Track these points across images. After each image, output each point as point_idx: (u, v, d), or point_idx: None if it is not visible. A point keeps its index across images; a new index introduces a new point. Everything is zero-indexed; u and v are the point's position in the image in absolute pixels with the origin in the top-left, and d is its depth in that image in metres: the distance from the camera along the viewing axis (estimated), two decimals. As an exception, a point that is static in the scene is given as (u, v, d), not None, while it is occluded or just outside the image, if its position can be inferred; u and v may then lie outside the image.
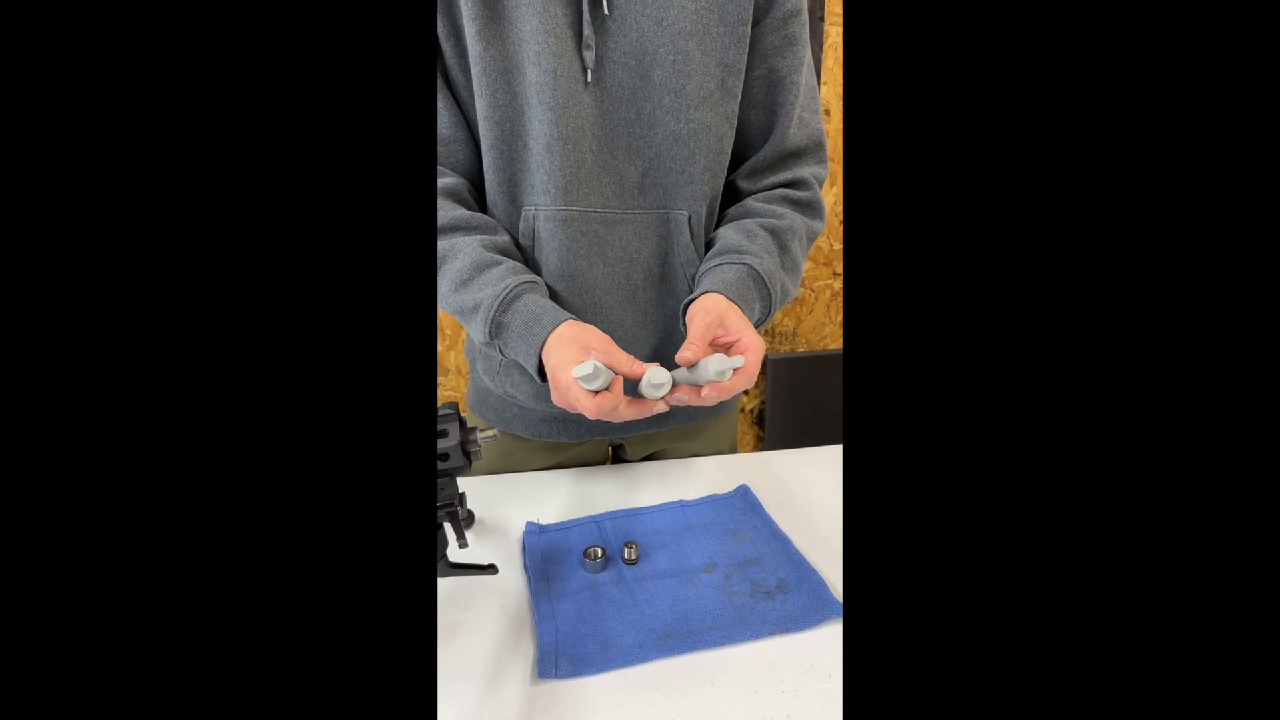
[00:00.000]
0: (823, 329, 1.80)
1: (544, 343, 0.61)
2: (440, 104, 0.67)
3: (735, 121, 0.70)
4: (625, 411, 0.59)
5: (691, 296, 0.66)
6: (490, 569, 0.56)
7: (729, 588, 0.60)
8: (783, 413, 1.77)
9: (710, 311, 0.61)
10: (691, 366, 0.58)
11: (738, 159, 0.74)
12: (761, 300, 0.68)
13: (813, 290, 1.74)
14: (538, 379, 0.64)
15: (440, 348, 1.62)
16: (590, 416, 0.57)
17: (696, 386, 0.59)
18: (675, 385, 0.59)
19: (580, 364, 0.56)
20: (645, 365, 0.58)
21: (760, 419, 1.82)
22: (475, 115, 0.67)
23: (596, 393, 0.57)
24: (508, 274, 0.65)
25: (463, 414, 0.53)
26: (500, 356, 0.70)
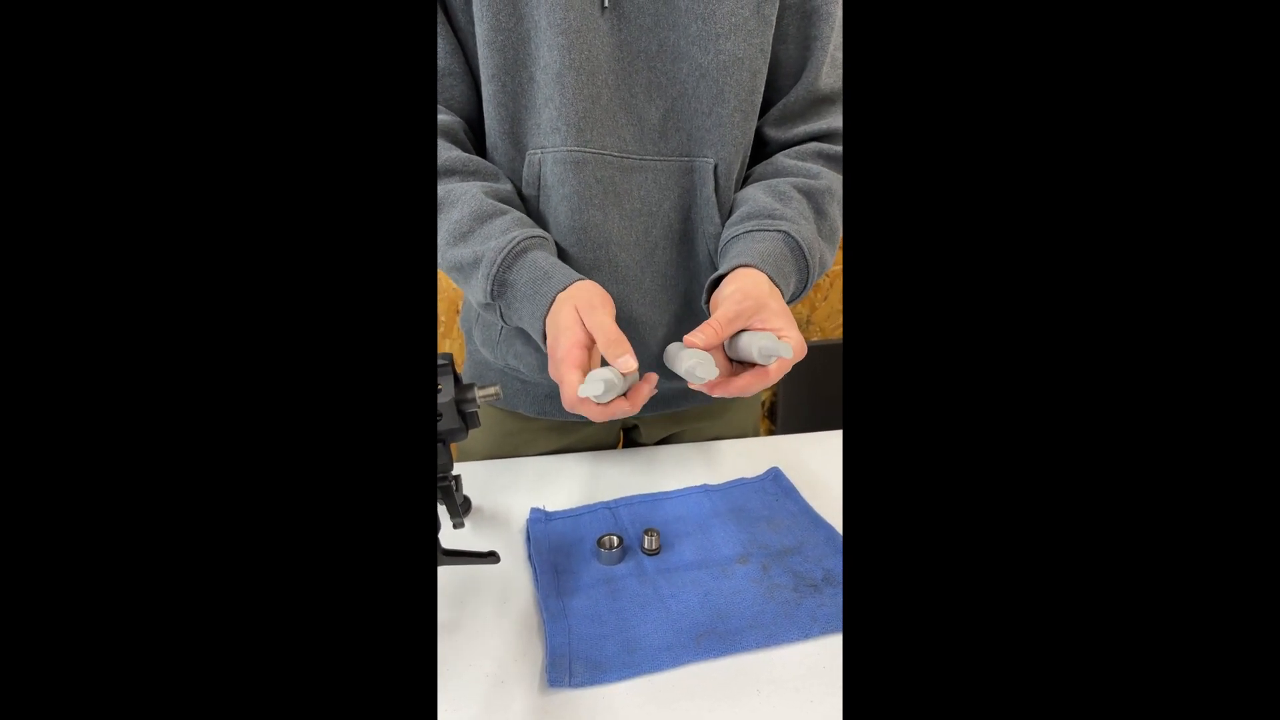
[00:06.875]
0: (837, 317, 1.72)
1: (550, 306, 0.53)
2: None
3: (769, 54, 0.62)
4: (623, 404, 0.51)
5: (724, 269, 0.57)
6: (491, 557, 0.48)
7: (769, 580, 0.52)
8: (795, 403, 1.69)
9: (750, 296, 0.52)
10: (734, 335, 0.50)
11: (765, 104, 0.66)
12: (799, 273, 0.59)
13: (828, 276, 1.67)
14: (545, 346, 0.56)
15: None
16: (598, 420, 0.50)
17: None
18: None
19: (588, 383, 0.47)
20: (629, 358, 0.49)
21: (772, 412, 1.74)
22: (475, 44, 0.59)
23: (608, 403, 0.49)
24: (513, 225, 0.56)
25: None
26: (501, 323, 0.61)
